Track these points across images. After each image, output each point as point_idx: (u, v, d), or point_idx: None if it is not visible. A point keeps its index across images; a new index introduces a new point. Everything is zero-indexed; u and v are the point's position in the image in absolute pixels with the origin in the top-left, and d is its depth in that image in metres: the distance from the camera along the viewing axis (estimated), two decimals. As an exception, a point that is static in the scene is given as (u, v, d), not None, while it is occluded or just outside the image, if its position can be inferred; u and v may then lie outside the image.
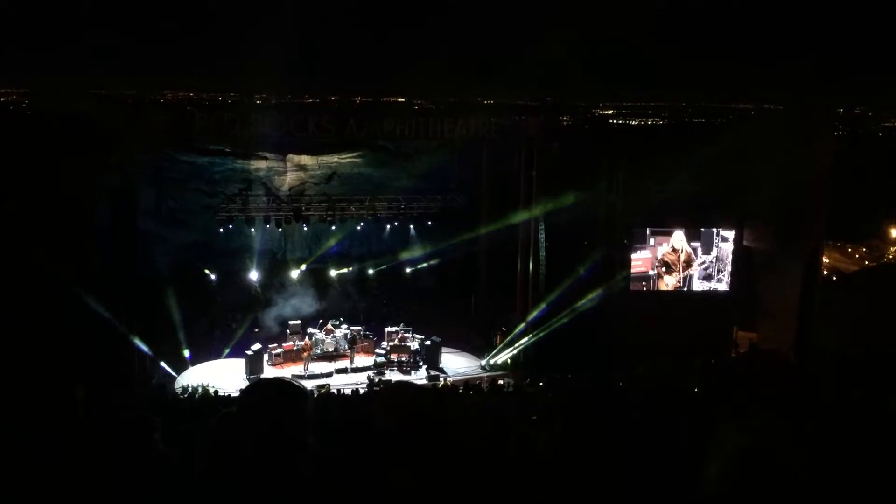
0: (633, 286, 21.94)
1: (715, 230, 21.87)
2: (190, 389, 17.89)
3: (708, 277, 22.04)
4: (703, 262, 21.96)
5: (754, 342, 21.49)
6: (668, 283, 21.95)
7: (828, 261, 28.42)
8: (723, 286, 22.01)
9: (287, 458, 2.51)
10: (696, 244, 21.92)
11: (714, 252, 21.95)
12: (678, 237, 21.91)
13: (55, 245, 17.60)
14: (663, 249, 21.93)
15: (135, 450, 2.95)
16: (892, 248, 35.67)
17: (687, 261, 21.94)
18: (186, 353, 20.69)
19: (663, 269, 21.91)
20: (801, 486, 1.52)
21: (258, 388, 2.84)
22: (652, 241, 21.96)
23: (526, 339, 21.63)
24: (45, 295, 17.09)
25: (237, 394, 14.12)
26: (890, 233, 36.19)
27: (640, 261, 21.97)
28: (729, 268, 21.91)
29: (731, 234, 21.86)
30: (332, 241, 24.32)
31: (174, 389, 18.51)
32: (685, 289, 21.98)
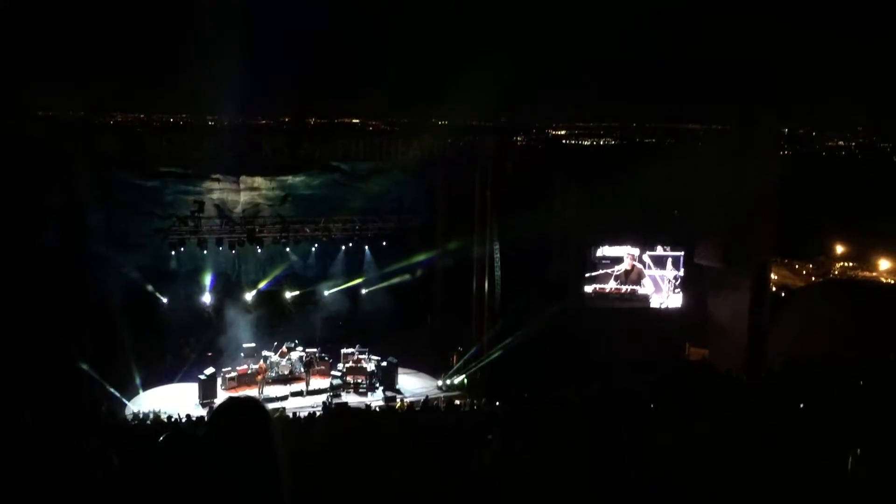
0: (588, 303, 22.18)
1: (666, 248, 22.22)
2: (141, 416, 17.54)
3: (660, 294, 22.36)
4: (655, 279, 22.28)
5: (706, 357, 21.83)
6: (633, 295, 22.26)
7: (776, 277, 29.06)
8: (675, 303, 22.34)
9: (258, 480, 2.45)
10: (648, 261, 22.24)
11: (666, 269, 22.29)
12: (631, 255, 22.21)
13: (2, 267, 17.21)
14: (617, 267, 22.22)
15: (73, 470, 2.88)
16: (838, 264, 36.64)
17: (638, 278, 22.24)
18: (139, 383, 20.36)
19: (619, 283, 22.20)
20: (729, 484, 1.57)
21: (228, 407, 2.77)
22: (606, 260, 22.24)
23: (482, 358, 21.66)
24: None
25: (186, 418, 13.85)
26: (835, 249, 37.22)
27: (595, 278, 22.24)
28: (680, 284, 22.25)
29: (681, 252, 22.21)
30: (286, 263, 24.14)
31: (125, 415, 18.12)
32: (639, 305, 22.28)
